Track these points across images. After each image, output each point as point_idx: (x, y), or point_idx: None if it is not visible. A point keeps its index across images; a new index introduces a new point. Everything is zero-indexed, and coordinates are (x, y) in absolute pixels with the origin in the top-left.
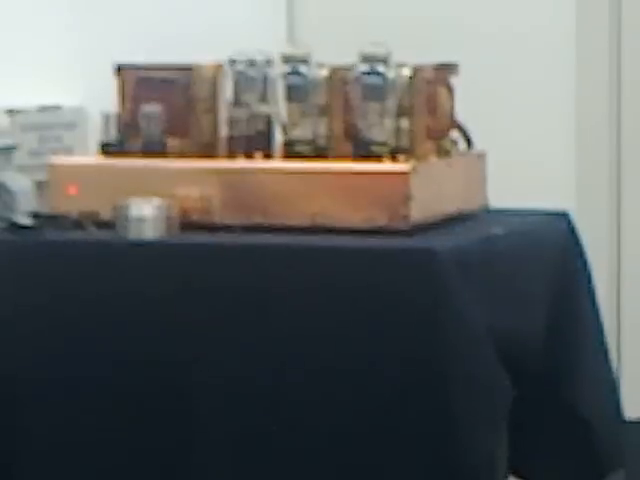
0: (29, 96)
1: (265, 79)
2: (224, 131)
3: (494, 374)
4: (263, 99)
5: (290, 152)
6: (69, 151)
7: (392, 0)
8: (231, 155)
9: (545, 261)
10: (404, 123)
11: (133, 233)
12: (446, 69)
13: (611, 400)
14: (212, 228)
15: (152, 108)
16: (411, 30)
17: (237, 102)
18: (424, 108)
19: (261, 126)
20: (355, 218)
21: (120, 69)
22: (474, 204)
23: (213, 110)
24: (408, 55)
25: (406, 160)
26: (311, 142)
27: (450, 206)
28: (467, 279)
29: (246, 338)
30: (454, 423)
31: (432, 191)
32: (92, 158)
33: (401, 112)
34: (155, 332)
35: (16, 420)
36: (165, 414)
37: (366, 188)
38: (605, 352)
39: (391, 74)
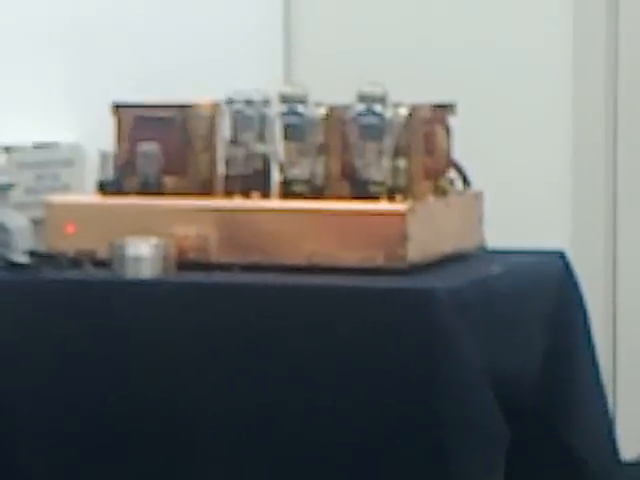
0: (26, 133)
1: (263, 118)
2: (221, 170)
3: (491, 415)
4: (260, 138)
5: (287, 191)
6: (66, 188)
7: (389, 40)
8: (228, 194)
9: (542, 300)
10: (401, 163)
11: (130, 272)
12: (443, 109)
13: (608, 439)
14: (209, 267)
15: (149, 147)
16: (408, 69)
17: (234, 141)
18: (421, 148)
19: (258, 165)
20: (352, 258)
21: (117, 108)
22: (471, 243)
23: (210, 149)
24: (405, 94)
25: (403, 200)
26: (308, 181)
27: (447, 246)
28: (464, 319)
29: (243, 377)
30: (450, 465)
31: (429, 231)
32: (89, 197)
33: (398, 152)
34: (152, 371)
35: (14, 454)
36: (160, 451)
37: (363, 228)
38: (602, 391)
39: (388, 114)
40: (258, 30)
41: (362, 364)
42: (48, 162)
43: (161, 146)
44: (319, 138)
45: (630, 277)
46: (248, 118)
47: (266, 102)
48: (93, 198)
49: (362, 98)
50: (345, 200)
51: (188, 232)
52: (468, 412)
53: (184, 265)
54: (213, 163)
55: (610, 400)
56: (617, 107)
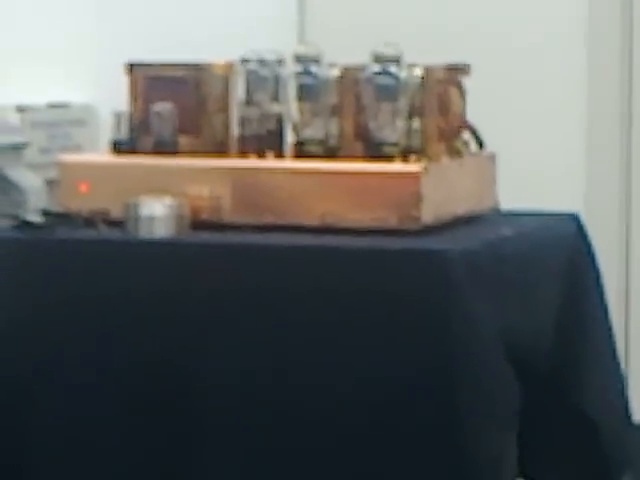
0: (39, 93)
1: (277, 78)
2: (235, 130)
3: (503, 376)
4: (275, 98)
5: (301, 152)
6: (78, 149)
7: (404, 1)
8: (242, 154)
9: (554, 262)
10: (415, 123)
11: (143, 231)
12: (457, 70)
13: (620, 402)
14: (222, 227)
15: (163, 107)
16: (423, 31)
17: (249, 101)
18: (435, 109)
19: (272, 125)
20: (365, 218)
21: (131, 68)
22: (485, 205)
23: (225, 109)
24: (420, 56)
25: (417, 161)
26: (322, 142)
27: (461, 207)
28: (477, 280)
29: (255, 337)
30: (463, 424)
31: (443, 192)
32: (103, 156)
33: (412, 112)
34: (164, 331)
35: (24, 418)
36: (172, 413)
37: (377, 188)
38: (614, 354)
39: (403, 74)
40: None
41: (374, 324)
42: (61, 122)
43: (175, 106)
44: (333, 98)
45: None
46: (262, 78)
47: (280, 62)
48: (107, 157)
49: (376, 59)
50: (359, 161)
51: (202, 192)
52: (481, 373)
53: (197, 225)
54: (227, 123)
55: (622, 363)
56: (632, 68)
